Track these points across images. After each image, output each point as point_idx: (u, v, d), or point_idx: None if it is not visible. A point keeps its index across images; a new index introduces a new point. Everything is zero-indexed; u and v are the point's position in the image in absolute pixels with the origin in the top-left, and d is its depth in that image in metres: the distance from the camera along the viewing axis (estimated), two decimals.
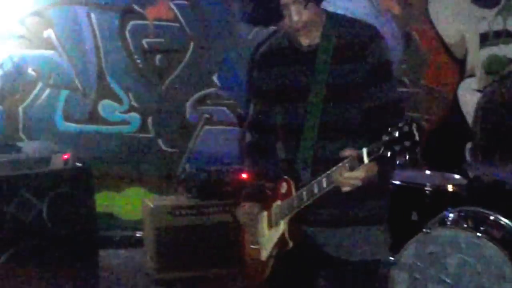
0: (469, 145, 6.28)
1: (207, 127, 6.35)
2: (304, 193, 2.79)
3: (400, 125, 2.41)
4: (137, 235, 6.08)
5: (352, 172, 2.57)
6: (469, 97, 6.29)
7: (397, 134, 2.40)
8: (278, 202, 2.95)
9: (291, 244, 2.88)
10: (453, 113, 6.41)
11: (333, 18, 2.90)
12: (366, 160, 2.51)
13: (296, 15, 2.77)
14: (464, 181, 4.80)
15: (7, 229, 4.26)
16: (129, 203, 6.27)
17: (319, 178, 2.71)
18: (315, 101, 2.84)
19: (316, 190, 2.72)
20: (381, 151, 2.44)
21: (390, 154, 2.41)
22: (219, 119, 6.36)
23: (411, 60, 6.30)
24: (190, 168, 6.12)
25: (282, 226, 2.91)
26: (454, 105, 6.40)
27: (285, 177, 2.93)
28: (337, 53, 2.82)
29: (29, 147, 4.58)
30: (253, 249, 3.12)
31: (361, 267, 2.87)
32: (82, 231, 4.50)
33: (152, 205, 5.33)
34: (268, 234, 3.03)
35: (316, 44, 2.87)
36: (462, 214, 4.23)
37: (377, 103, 2.79)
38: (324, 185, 2.69)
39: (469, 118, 6.23)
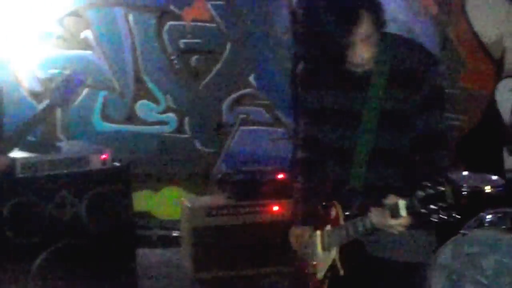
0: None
1: (243, 127, 6.36)
2: (351, 228, 2.74)
3: (435, 183, 2.36)
4: (174, 234, 6.10)
5: (397, 220, 2.52)
6: (507, 97, 6.22)
7: (431, 191, 2.35)
8: (329, 227, 2.90)
9: (342, 272, 2.83)
10: (490, 114, 6.33)
11: (388, 38, 2.75)
12: (403, 213, 2.47)
13: (367, 52, 2.64)
14: (502, 182, 4.75)
15: (46, 228, 4.28)
16: (166, 203, 6.31)
17: (359, 218, 2.68)
18: (368, 127, 2.75)
19: (361, 228, 2.69)
20: (417, 208, 2.39)
21: (426, 213, 2.37)
22: (255, 119, 6.36)
23: (448, 61, 6.24)
24: (226, 169, 6.14)
25: (334, 253, 2.86)
26: (492, 106, 6.33)
27: (334, 202, 2.87)
28: (392, 78, 2.71)
29: (68, 147, 4.61)
30: (310, 265, 3.05)
31: (405, 268, 2.82)
32: (120, 231, 4.52)
33: (189, 205, 5.38)
34: (322, 255, 2.96)
35: (368, 69, 2.73)
36: (500, 215, 4.18)
37: (426, 132, 2.72)
38: (368, 226, 2.65)
39: (507, 119, 6.15)
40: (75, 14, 6.04)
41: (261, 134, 6.35)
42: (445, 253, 4.04)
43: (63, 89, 3.02)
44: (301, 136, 3.12)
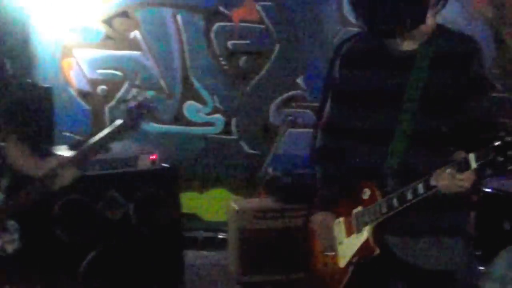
0: None
1: (290, 129, 6.31)
2: (395, 199, 2.70)
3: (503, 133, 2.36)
4: (220, 236, 6.09)
5: (464, 174, 2.49)
6: None
7: (509, 139, 2.34)
8: (359, 208, 2.86)
9: (378, 250, 2.80)
10: None
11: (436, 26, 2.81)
12: (474, 165, 2.44)
13: (430, 19, 2.70)
14: None
15: (95, 228, 4.32)
16: (212, 204, 6.32)
17: (413, 184, 2.63)
18: (409, 109, 2.75)
19: (410, 196, 2.64)
20: (491, 156, 2.37)
21: (502, 160, 2.34)
22: (303, 122, 6.29)
23: (503, 65, 6.14)
24: (272, 171, 6.11)
25: (366, 232, 2.82)
26: None
27: (368, 182, 2.84)
28: (436, 62, 2.73)
29: (118, 147, 4.62)
30: (327, 256, 3.02)
31: (438, 276, 2.79)
32: (167, 231, 4.54)
33: (236, 208, 5.35)
34: (346, 241, 2.93)
35: (412, 50, 2.78)
36: None
37: (471, 117, 2.72)
38: (421, 190, 2.60)
39: None
40: (124, 14, 6.10)
41: (309, 136, 6.25)
42: (500, 263, 3.95)
43: (136, 112, 3.03)
44: (324, 121, 3.07)
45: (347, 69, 2.93)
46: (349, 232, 2.92)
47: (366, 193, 2.83)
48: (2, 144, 2.76)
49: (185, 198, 5.92)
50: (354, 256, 2.88)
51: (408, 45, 2.79)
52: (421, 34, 2.75)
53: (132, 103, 3.07)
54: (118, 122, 3.03)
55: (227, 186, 6.37)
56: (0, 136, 2.76)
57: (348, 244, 2.92)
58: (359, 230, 2.86)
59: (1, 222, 2.76)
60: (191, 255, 5.52)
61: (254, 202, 5.61)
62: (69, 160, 2.90)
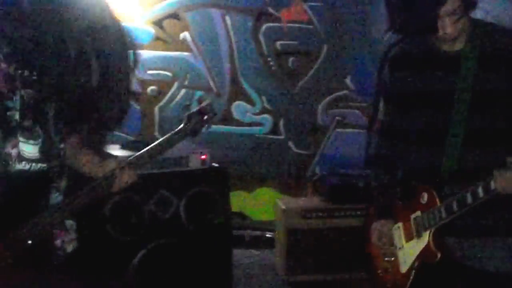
0: None
1: (338, 129, 6.36)
2: (455, 203, 2.70)
3: None
4: (267, 235, 6.12)
5: None
6: None
7: None
8: (418, 213, 2.88)
9: (439, 255, 2.80)
10: None
11: (478, 24, 2.83)
12: None
13: (450, 27, 2.71)
14: None
15: (145, 226, 4.34)
16: (260, 204, 6.36)
17: (472, 187, 2.61)
18: (460, 108, 2.77)
19: (470, 200, 2.63)
20: None
21: None
22: (351, 122, 6.35)
23: None
24: (320, 171, 6.15)
25: (427, 237, 2.84)
26: None
27: (426, 187, 2.86)
28: (483, 60, 2.75)
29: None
30: (388, 261, 3.07)
31: (497, 278, 2.78)
32: (217, 230, 4.54)
33: (284, 207, 5.36)
34: (407, 246, 2.96)
35: (457, 50, 2.81)
36: None
37: None
38: (481, 194, 2.59)
39: None
40: (174, 16, 6.17)
41: (357, 136, 6.30)
42: None
43: (197, 119, 3.10)
44: (379, 125, 3.11)
45: (396, 73, 2.97)
46: (408, 237, 2.95)
47: (424, 198, 2.85)
48: (62, 145, 2.75)
49: (233, 197, 5.95)
50: (415, 261, 2.90)
51: (452, 46, 2.82)
52: (449, 37, 2.76)
53: (194, 109, 3.12)
54: (179, 128, 3.07)
55: (274, 185, 6.40)
56: (59, 137, 2.79)
57: (408, 249, 2.95)
58: (419, 235, 2.88)
59: (61, 223, 2.76)
60: (238, 254, 5.57)
61: (301, 202, 5.65)
62: (129, 163, 2.92)
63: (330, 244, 5.24)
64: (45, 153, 2.64)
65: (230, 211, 4.70)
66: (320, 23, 6.21)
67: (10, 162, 2.55)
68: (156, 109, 6.19)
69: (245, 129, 6.37)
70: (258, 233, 6.23)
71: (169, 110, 6.19)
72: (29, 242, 2.60)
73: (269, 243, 5.91)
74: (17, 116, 2.53)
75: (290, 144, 6.39)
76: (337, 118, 6.32)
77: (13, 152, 2.55)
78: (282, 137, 6.38)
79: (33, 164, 2.61)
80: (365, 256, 3.23)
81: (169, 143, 3.04)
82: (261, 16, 6.21)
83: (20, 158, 2.57)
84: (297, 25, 6.22)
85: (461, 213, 2.69)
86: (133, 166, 2.92)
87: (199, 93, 6.25)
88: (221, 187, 4.60)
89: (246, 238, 6.17)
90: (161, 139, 3.05)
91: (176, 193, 4.43)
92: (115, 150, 4.50)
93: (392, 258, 3.04)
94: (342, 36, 6.23)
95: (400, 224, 2.99)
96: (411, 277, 2.93)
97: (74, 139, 2.91)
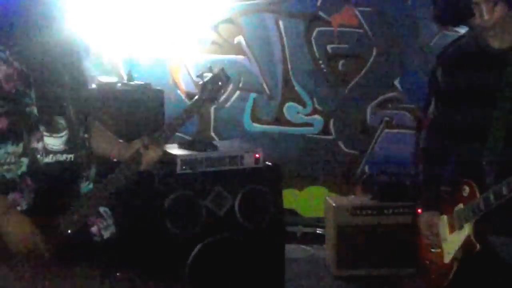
0: None
1: (387, 130, 6.42)
2: (491, 195, 2.76)
3: None
4: (317, 232, 6.22)
5: None
6: None
7: None
8: (461, 206, 2.95)
9: (478, 246, 2.87)
10: None
11: None
12: None
13: (487, 13, 2.76)
14: None
15: (201, 222, 4.41)
16: (310, 201, 6.43)
17: (509, 179, 2.68)
18: (506, 106, 2.82)
19: (505, 191, 2.69)
20: None
21: None
22: (400, 123, 6.40)
23: None
24: (369, 170, 6.20)
25: (467, 229, 2.91)
26: None
27: (468, 180, 2.93)
28: None
29: (225, 146, 4.76)
30: (433, 252, 3.14)
31: None
32: (271, 226, 4.59)
33: (334, 204, 5.47)
34: (450, 238, 3.03)
35: (507, 47, 2.85)
36: None
37: None
38: None
39: None
40: (229, 21, 6.25)
41: (404, 137, 6.37)
42: None
43: (211, 86, 3.03)
44: (428, 122, 3.18)
45: (448, 71, 3.04)
46: (452, 229, 3.01)
47: (466, 191, 2.92)
48: (86, 135, 2.81)
49: (285, 195, 6.05)
50: (457, 252, 2.97)
51: (500, 43, 2.86)
52: (485, 27, 2.80)
53: (207, 77, 3.05)
54: (195, 98, 3.03)
55: (325, 184, 6.46)
56: (83, 127, 2.81)
57: (451, 240, 3.01)
58: (460, 227, 2.95)
59: (95, 209, 2.79)
60: (289, 249, 5.68)
61: (351, 199, 5.72)
62: (152, 140, 2.90)
63: (378, 240, 5.32)
64: (70, 144, 2.70)
65: (282, 207, 4.73)
66: (370, 27, 6.26)
67: (38, 156, 2.63)
68: (212, 110, 6.27)
69: (297, 129, 6.43)
70: (309, 229, 6.30)
71: (224, 111, 6.29)
72: (69, 231, 2.67)
73: (320, 239, 5.98)
74: (35, 111, 2.62)
75: (340, 144, 6.44)
76: (385, 119, 6.39)
77: (39, 146, 2.64)
78: (332, 137, 6.44)
79: (59, 155, 2.68)
80: (415, 247, 3.29)
81: (187, 114, 2.99)
82: (313, 21, 6.27)
83: (46, 151, 2.65)
84: (347, 29, 6.28)
85: (498, 204, 2.74)
86: (157, 142, 2.90)
87: (253, 95, 6.35)
88: (274, 185, 4.64)
89: (297, 234, 6.24)
90: (178, 114, 3.01)
91: (231, 190, 4.49)
92: (173, 149, 4.55)
93: (438, 250, 3.10)
94: (391, 40, 6.27)
95: (444, 217, 3.05)
96: (454, 268, 3.00)
97: (97, 127, 2.98)
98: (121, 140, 3.02)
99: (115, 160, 2.96)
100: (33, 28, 2.64)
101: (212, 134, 6.35)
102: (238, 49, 6.30)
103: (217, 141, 5.62)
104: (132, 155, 2.87)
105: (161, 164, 3.88)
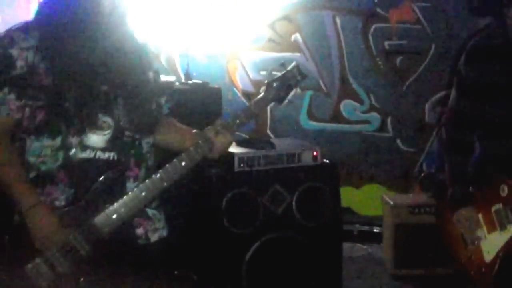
0: None
1: None
2: None
3: None
4: (375, 230, 6.21)
5: None
6: None
7: None
8: (499, 206, 2.95)
9: None
10: None
11: None
12: None
13: None
14: None
15: (259, 220, 4.42)
16: (367, 199, 6.40)
17: None
18: None
19: None
20: None
21: None
22: None
23: None
24: (427, 168, 6.15)
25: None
26: None
27: (506, 179, 2.91)
28: None
29: (282, 144, 4.75)
30: (470, 250, 3.12)
31: None
32: (328, 224, 4.58)
33: (392, 203, 5.43)
34: (490, 237, 3.02)
35: None
36: None
37: None
38: None
39: None
40: (286, 18, 6.26)
41: None
42: None
43: (278, 86, 2.95)
44: (450, 115, 3.18)
45: (475, 63, 3.03)
46: (491, 228, 3.01)
47: (504, 190, 2.92)
48: (137, 136, 2.76)
49: (342, 193, 6.02)
50: (500, 251, 2.97)
51: None
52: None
53: (276, 76, 2.98)
54: (260, 97, 2.95)
55: (382, 182, 6.43)
56: (132, 127, 2.75)
57: (491, 240, 3.01)
58: (502, 227, 2.96)
59: (142, 211, 2.76)
60: (346, 248, 5.67)
61: (409, 198, 5.68)
62: (224, 126, 2.84)
63: (437, 239, 5.21)
64: (114, 143, 2.68)
65: (340, 205, 4.71)
66: (428, 23, 6.19)
67: (74, 150, 2.62)
68: (268, 108, 6.28)
69: (354, 127, 6.41)
70: (366, 227, 6.29)
71: (280, 109, 6.26)
72: (106, 230, 2.63)
73: (377, 238, 5.97)
74: (74, 106, 2.60)
75: (398, 141, 6.39)
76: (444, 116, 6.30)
77: (75, 140, 2.63)
78: (389, 134, 6.39)
79: (99, 153, 2.66)
80: (446, 246, 3.31)
81: (256, 108, 2.94)
82: (370, 17, 6.23)
83: (84, 147, 2.64)
84: (405, 25, 6.22)
85: None
86: (229, 128, 2.85)
87: (309, 93, 6.36)
88: (332, 183, 4.63)
89: (354, 233, 6.23)
90: (250, 104, 2.97)
91: (289, 188, 4.49)
92: (231, 147, 4.59)
93: (474, 246, 3.08)
94: (450, 35, 6.18)
95: (480, 215, 3.04)
96: (496, 267, 2.98)
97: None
98: (195, 130, 2.95)
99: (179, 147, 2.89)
100: (82, 25, 2.63)
101: (269, 132, 6.37)
102: (295, 47, 6.30)
103: (274, 139, 5.62)
104: (203, 140, 2.80)
105: (218, 162, 3.80)
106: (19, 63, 2.57)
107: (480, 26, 5.99)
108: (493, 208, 2.98)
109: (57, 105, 2.59)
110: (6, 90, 2.58)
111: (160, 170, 2.72)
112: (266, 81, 2.96)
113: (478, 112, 3.02)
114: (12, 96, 2.58)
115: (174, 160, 2.74)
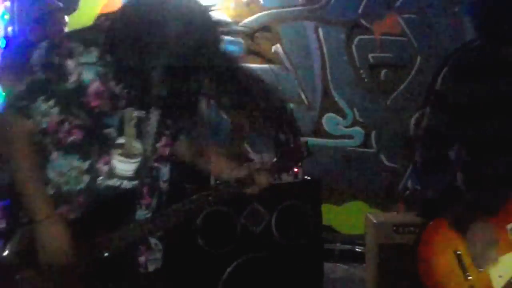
0: None
1: None
2: None
3: None
4: (357, 249, 6.08)
5: None
6: None
7: None
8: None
9: None
10: None
11: None
12: None
13: None
14: None
15: (237, 240, 4.39)
16: (349, 217, 6.31)
17: None
18: None
19: None
20: None
21: None
22: None
23: None
24: (412, 185, 6.06)
25: None
26: None
27: None
28: None
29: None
30: (474, 278, 2.87)
31: None
32: (308, 244, 4.56)
33: (376, 221, 5.29)
34: (503, 260, 2.83)
35: None
36: None
37: None
38: None
39: None
40: (267, 29, 6.24)
41: None
42: None
43: (286, 158, 3.01)
44: (424, 133, 3.15)
45: (459, 80, 2.92)
46: (505, 249, 2.84)
47: None
48: (155, 164, 2.76)
49: (323, 210, 5.96)
50: None
51: None
52: None
53: (284, 148, 3.01)
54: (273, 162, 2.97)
55: (365, 199, 6.36)
56: (155, 155, 2.76)
57: (506, 262, 2.84)
58: None
59: (145, 239, 2.75)
60: (327, 268, 5.54)
61: (393, 216, 5.52)
62: (266, 167, 2.90)
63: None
64: (140, 172, 2.67)
65: (321, 224, 4.71)
66: (414, 35, 6.17)
67: (101, 177, 2.60)
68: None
69: (336, 141, 6.36)
70: (348, 247, 6.19)
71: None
72: (105, 254, 2.61)
73: (359, 258, 5.84)
74: (114, 134, 2.58)
75: (382, 157, 6.34)
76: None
77: (105, 168, 2.60)
78: (373, 150, 6.35)
79: (125, 182, 2.65)
80: (430, 278, 2.98)
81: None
82: (354, 28, 6.21)
83: (111, 174, 2.62)
84: (390, 37, 6.21)
85: None
86: (270, 170, 2.90)
87: (290, 106, 6.26)
88: (313, 201, 4.62)
89: (335, 252, 6.14)
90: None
91: (268, 206, 4.47)
92: None
93: (481, 272, 2.84)
94: (436, 48, 6.15)
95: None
96: None
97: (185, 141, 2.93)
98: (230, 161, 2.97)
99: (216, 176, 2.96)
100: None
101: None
102: (275, 58, 6.29)
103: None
104: (244, 176, 2.84)
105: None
106: (72, 78, 2.53)
107: (466, 39, 5.97)
108: (509, 226, 2.84)
109: (96, 129, 2.57)
110: (51, 102, 2.55)
111: (174, 205, 2.73)
112: (280, 150, 2.99)
113: (457, 131, 2.95)
114: (55, 110, 2.55)
115: (186, 201, 2.76)
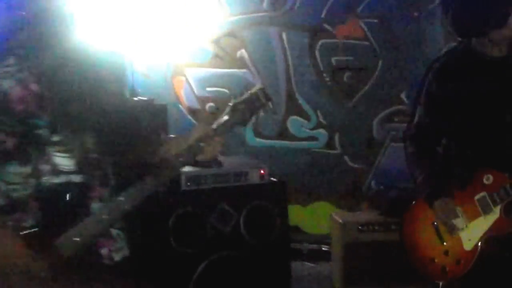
0: None
1: (393, 144, 6.32)
2: None
3: None
4: (323, 248, 6.14)
5: None
6: None
7: None
8: (483, 194, 3.09)
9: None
10: None
11: None
12: None
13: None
14: None
15: (206, 240, 4.40)
16: (315, 217, 6.36)
17: None
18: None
19: None
20: None
21: None
22: None
23: None
24: (375, 185, 6.14)
25: (498, 212, 3.06)
26: None
27: (488, 169, 3.06)
28: None
29: (229, 162, 4.72)
30: (449, 244, 3.21)
31: None
32: (276, 243, 4.58)
33: (341, 221, 5.38)
34: (471, 226, 3.13)
35: (502, 56, 3.02)
36: None
37: None
38: None
39: None
40: (231, 34, 6.24)
41: None
42: None
43: (244, 106, 2.76)
44: (413, 131, 3.40)
45: (442, 80, 3.14)
46: (473, 216, 3.14)
47: (489, 179, 3.08)
48: (101, 156, 2.70)
49: (289, 211, 6.00)
50: (483, 236, 3.11)
51: (497, 52, 3.02)
52: (504, 37, 2.94)
53: (241, 98, 2.79)
54: (223, 120, 2.81)
55: (330, 199, 6.40)
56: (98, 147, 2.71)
57: (474, 227, 3.13)
58: (488, 211, 3.10)
59: (106, 231, 2.70)
60: (295, 266, 5.60)
61: (358, 215, 5.62)
62: (214, 130, 2.76)
63: (387, 257, 5.17)
64: (82, 165, 2.63)
65: (288, 224, 4.71)
66: (375, 39, 6.22)
67: (46, 178, 2.57)
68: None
69: (301, 143, 6.39)
70: (314, 246, 6.23)
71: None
72: (68, 253, 2.56)
73: (326, 256, 5.91)
74: (47, 133, 2.55)
75: (346, 158, 6.39)
76: (392, 132, 6.32)
77: (47, 167, 2.57)
78: (337, 151, 6.38)
79: (73, 176, 2.61)
80: (413, 261, 3.38)
81: (220, 131, 2.81)
82: (317, 33, 6.23)
83: (56, 172, 2.59)
84: (352, 41, 6.24)
85: None
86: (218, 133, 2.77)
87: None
88: (279, 201, 4.64)
89: (303, 252, 6.18)
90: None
91: (236, 206, 4.49)
92: None
93: (453, 237, 3.18)
94: (397, 52, 6.23)
95: (459, 208, 3.16)
96: (478, 251, 3.11)
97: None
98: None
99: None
100: (49, 40, 2.57)
101: None
102: (240, 63, 6.29)
103: (221, 157, 5.52)
104: (192, 143, 2.71)
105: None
106: None
107: (427, 43, 6.08)
108: (476, 197, 3.13)
109: (28, 132, 2.54)
110: None
111: (124, 193, 2.64)
112: (231, 103, 2.78)
113: (446, 126, 3.19)
114: None
115: (137, 183, 2.67)
